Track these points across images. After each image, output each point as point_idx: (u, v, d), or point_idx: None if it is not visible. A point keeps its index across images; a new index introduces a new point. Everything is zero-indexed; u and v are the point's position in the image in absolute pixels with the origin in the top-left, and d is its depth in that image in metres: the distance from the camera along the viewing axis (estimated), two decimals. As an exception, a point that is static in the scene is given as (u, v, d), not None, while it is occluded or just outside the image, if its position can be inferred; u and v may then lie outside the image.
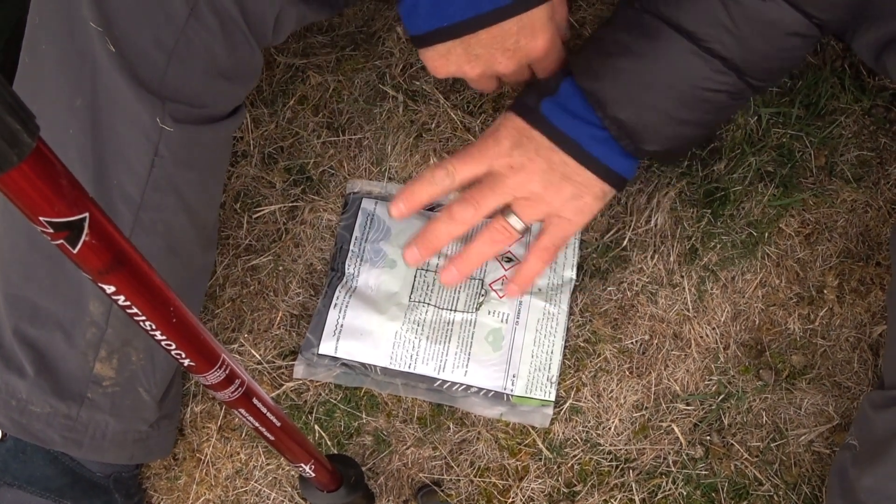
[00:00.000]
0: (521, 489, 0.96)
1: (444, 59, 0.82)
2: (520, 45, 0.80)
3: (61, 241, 0.38)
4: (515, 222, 0.86)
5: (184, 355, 0.50)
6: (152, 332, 0.47)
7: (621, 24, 0.79)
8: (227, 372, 0.54)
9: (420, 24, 0.80)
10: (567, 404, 0.98)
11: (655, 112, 0.79)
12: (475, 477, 0.97)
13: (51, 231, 0.37)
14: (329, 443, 0.99)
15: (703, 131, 0.82)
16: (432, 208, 1.07)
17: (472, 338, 1.00)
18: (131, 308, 0.44)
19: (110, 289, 0.42)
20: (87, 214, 0.38)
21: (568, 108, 0.81)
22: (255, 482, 0.99)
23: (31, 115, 0.33)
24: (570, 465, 0.96)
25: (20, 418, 0.86)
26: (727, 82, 0.76)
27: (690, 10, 0.74)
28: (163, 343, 0.48)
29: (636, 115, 0.78)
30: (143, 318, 0.45)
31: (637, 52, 0.77)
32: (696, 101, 0.78)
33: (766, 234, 1.02)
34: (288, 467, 0.99)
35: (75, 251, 0.39)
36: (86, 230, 0.38)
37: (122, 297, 0.43)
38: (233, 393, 0.56)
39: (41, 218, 0.36)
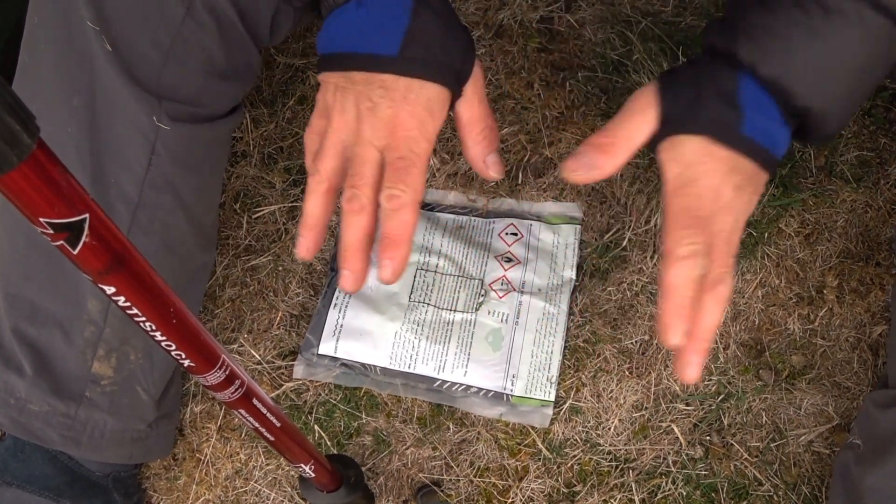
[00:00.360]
0: (520, 489, 0.96)
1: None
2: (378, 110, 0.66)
3: (61, 242, 0.38)
4: None
5: (184, 356, 0.50)
6: (152, 333, 0.46)
7: (786, 5, 0.67)
8: (227, 372, 0.54)
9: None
10: (567, 404, 0.98)
11: (843, 96, 0.69)
12: (475, 477, 0.97)
13: (51, 232, 0.37)
14: (329, 443, 0.99)
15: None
16: (432, 208, 1.07)
17: (471, 338, 1.00)
18: (131, 309, 0.44)
19: (110, 289, 0.42)
20: (87, 215, 0.38)
21: (761, 111, 0.68)
22: (255, 482, 0.99)
23: (31, 115, 0.33)
24: (569, 465, 0.96)
25: (19, 417, 0.86)
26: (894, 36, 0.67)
27: None
28: (163, 344, 0.48)
29: (824, 102, 0.68)
30: (143, 318, 0.45)
31: (821, 32, 0.66)
32: (878, 77, 0.70)
33: (766, 235, 1.01)
34: (288, 467, 0.99)
35: (75, 252, 0.39)
36: (86, 231, 0.38)
37: (122, 298, 0.43)
38: (233, 393, 0.56)
39: (41, 219, 0.36)
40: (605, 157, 0.73)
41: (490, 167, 0.74)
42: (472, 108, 0.73)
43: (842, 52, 0.67)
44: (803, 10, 0.66)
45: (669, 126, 0.69)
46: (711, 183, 0.67)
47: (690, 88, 0.69)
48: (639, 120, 0.71)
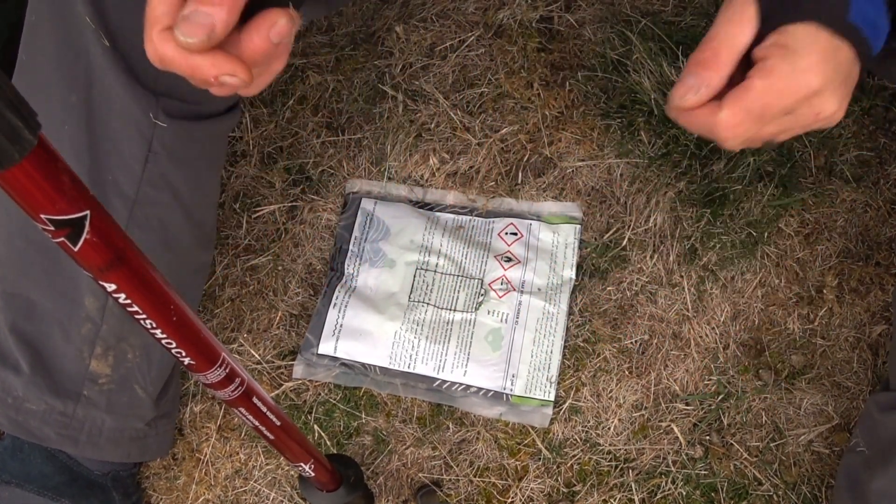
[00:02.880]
0: (520, 489, 0.96)
1: None
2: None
3: (62, 238, 0.38)
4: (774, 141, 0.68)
5: (184, 354, 0.49)
6: (152, 331, 0.46)
7: None
8: (227, 371, 0.54)
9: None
10: (566, 404, 0.98)
11: None
12: (474, 477, 0.97)
13: (52, 229, 0.37)
14: (328, 442, 0.99)
15: None
16: (432, 208, 1.07)
17: (471, 337, 1.00)
18: (132, 306, 0.44)
19: (111, 287, 0.42)
20: (88, 212, 0.38)
21: None
22: (255, 482, 0.99)
23: (32, 112, 0.33)
24: (569, 464, 0.96)
25: (16, 416, 0.86)
26: None
27: None
28: (163, 341, 0.48)
29: None
30: (144, 316, 0.45)
31: None
32: None
33: (766, 234, 1.01)
34: (287, 467, 0.99)
35: (76, 249, 0.38)
36: (87, 228, 0.38)
37: (122, 295, 0.43)
38: (233, 392, 0.56)
39: (42, 215, 0.36)
40: (710, 72, 0.65)
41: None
42: None
43: None
44: None
45: (773, 19, 0.63)
46: (810, 80, 0.62)
47: None
48: (738, 21, 0.64)
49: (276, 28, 0.51)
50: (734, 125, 0.63)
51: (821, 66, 0.61)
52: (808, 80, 0.61)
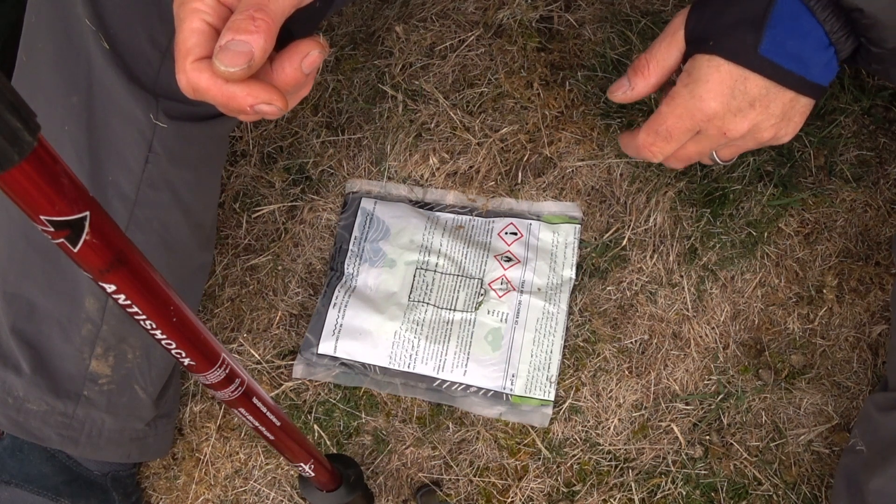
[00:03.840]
0: (520, 489, 0.96)
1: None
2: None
3: (62, 240, 0.38)
4: (716, 160, 0.79)
5: (184, 354, 0.49)
6: (152, 332, 0.46)
7: None
8: (227, 371, 0.54)
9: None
10: (566, 404, 0.98)
11: None
12: (474, 476, 0.97)
13: (52, 230, 0.37)
14: (328, 442, 0.99)
15: None
16: (431, 208, 1.07)
17: (471, 337, 1.00)
18: (132, 307, 0.44)
19: (111, 288, 0.42)
20: (87, 213, 0.38)
21: (791, 31, 0.67)
22: (255, 482, 0.99)
23: (32, 113, 0.33)
24: (569, 464, 0.96)
25: (17, 416, 0.86)
26: None
27: None
28: (163, 342, 0.48)
29: (881, 4, 0.65)
30: (144, 317, 0.45)
31: None
32: None
33: (766, 234, 1.01)
34: (287, 467, 0.99)
35: (76, 250, 0.38)
36: (86, 229, 0.38)
37: (122, 296, 0.43)
38: (233, 392, 0.56)
39: (42, 217, 0.36)
40: (638, 77, 0.78)
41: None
42: None
43: None
44: None
45: (691, 46, 0.73)
46: (707, 105, 0.71)
47: (714, 8, 0.71)
48: (669, 42, 0.75)
49: (308, 59, 0.53)
50: (649, 144, 0.76)
51: (719, 93, 0.70)
52: (704, 104, 0.71)
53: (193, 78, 0.51)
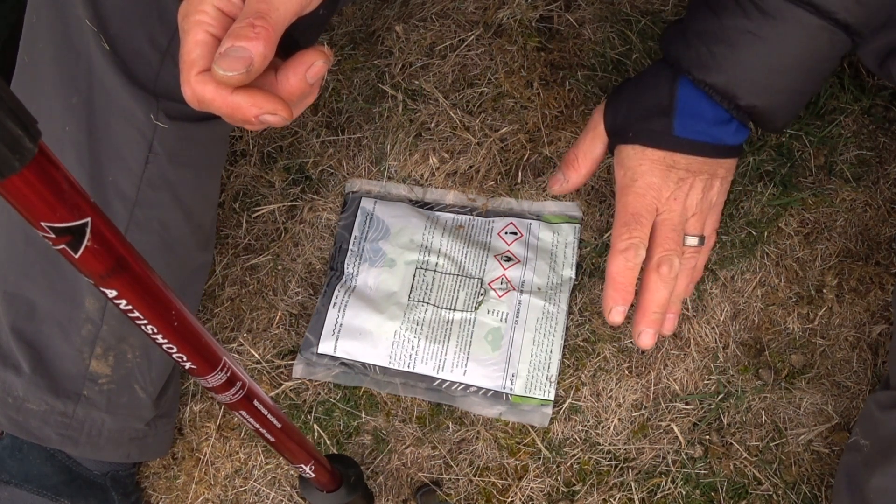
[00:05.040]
0: (520, 488, 0.96)
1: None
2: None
3: (63, 246, 0.38)
4: (692, 240, 0.84)
5: (185, 358, 0.49)
6: (154, 336, 0.46)
7: (731, 10, 0.74)
8: (228, 374, 0.54)
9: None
10: (566, 404, 0.98)
11: (787, 93, 0.77)
12: (474, 476, 0.97)
13: (53, 236, 0.37)
14: (328, 442, 0.99)
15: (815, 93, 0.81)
16: (431, 207, 1.07)
17: (471, 337, 1.00)
18: (133, 312, 0.44)
19: (112, 293, 0.42)
20: (88, 219, 0.38)
21: (696, 115, 0.78)
22: (255, 481, 0.99)
23: (32, 120, 0.33)
24: (569, 464, 0.96)
25: (17, 416, 0.86)
26: (844, 44, 0.74)
27: None
28: (164, 346, 0.48)
29: (769, 100, 0.76)
30: (145, 321, 0.45)
31: (763, 36, 0.73)
32: (821, 72, 0.77)
33: (766, 234, 1.01)
34: (287, 466, 0.99)
35: (77, 256, 0.38)
36: (88, 235, 0.38)
37: (123, 301, 0.43)
38: (234, 395, 0.56)
39: (43, 223, 0.36)
40: (570, 170, 0.88)
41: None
42: None
43: (783, 55, 0.74)
44: (745, 14, 0.73)
45: (613, 138, 0.83)
46: (650, 181, 0.79)
47: (626, 103, 0.81)
48: (592, 136, 0.85)
49: (312, 69, 0.53)
50: (626, 240, 0.80)
51: (657, 171, 0.79)
52: (649, 180, 0.79)
53: (198, 90, 0.52)
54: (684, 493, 0.94)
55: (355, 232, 1.06)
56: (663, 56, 0.81)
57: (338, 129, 1.11)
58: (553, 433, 0.97)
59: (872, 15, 0.74)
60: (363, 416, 1.00)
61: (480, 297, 1.01)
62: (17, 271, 0.85)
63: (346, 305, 1.01)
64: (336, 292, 1.02)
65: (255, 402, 0.59)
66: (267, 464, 1.00)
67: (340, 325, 1.01)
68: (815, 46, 0.74)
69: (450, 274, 1.03)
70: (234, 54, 0.49)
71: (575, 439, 0.97)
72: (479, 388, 0.98)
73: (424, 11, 1.15)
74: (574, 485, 0.96)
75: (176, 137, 0.82)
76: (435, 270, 1.03)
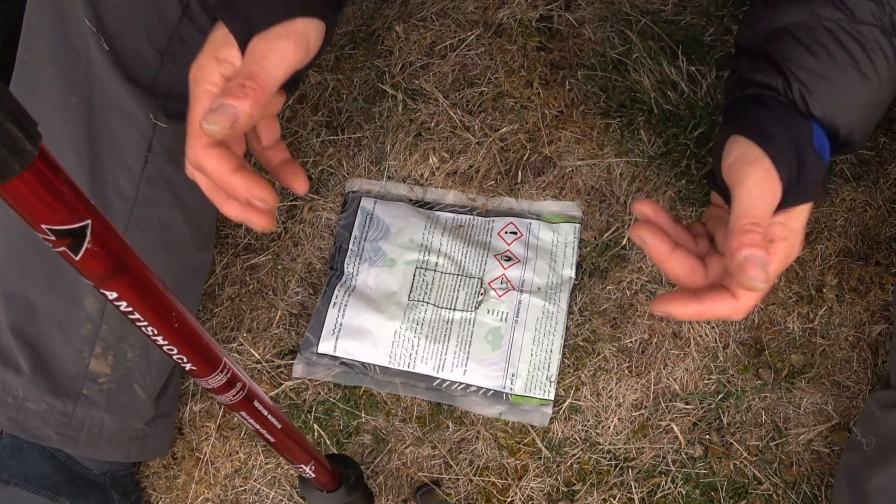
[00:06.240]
0: (520, 488, 0.96)
1: None
2: None
3: (63, 248, 0.38)
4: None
5: (185, 360, 0.49)
6: (154, 338, 0.46)
7: (828, 47, 0.66)
8: (228, 376, 0.54)
9: None
10: (566, 403, 0.98)
11: (871, 123, 0.69)
12: (474, 476, 0.97)
13: (53, 239, 0.37)
14: (328, 442, 0.99)
15: None
16: (431, 207, 1.07)
17: (471, 337, 1.00)
18: (133, 314, 0.43)
19: (112, 295, 0.42)
20: (89, 222, 0.38)
21: (824, 158, 0.67)
22: (255, 481, 0.99)
23: (33, 122, 0.33)
24: (569, 464, 0.96)
25: (17, 415, 0.86)
26: None
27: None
28: (164, 348, 0.48)
29: (862, 134, 0.68)
30: (146, 323, 0.45)
31: (865, 71, 0.66)
32: (893, 94, 0.70)
33: (766, 234, 1.01)
34: (287, 466, 0.99)
35: (78, 258, 0.38)
36: (88, 237, 0.38)
37: (124, 303, 0.43)
38: (234, 396, 0.56)
39: (43, 226, 0.36)
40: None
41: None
42: None
43: (880, 83, 0.66)
44: (845, 50, 0.65)
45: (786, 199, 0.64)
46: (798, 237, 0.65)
47: (793, 160, 0.64)
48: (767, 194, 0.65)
49: (297, 184, 0.62)
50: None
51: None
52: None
53: (202, 157, 0.55)
54: (684, 492, 0.94)
55: (355, 231, 1.06)
56: (772, 96, 0.69)
57: (338, 129, 1.11)
58: (553, 433, 0.97)
59: None
60: (363, 415, 1.00)
61: (480, 297, 1.01)
62: (17, 271, 0.85)
63: (346, 305, 1.01)
64: (336, 292, 1.02)
65: (256, 403, 0.59)
66: (267, 463, 1.00)
67: (340, 324, 1.01)
68: None
69: (450, 274, 1.03)
70: (221, 110, 0.52)
71: (575, 439, 0.97)
72: (479, 388, 0.98)
73: (424, 11, 1.15)
74: (574, 484, 0.96)
75: (175, 137, 0.82)
76: (435, 270, 1.03)
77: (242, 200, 0.56)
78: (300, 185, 0.63)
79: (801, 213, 0.64)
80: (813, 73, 0.65)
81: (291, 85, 0.61)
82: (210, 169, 0.55)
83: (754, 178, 0.60)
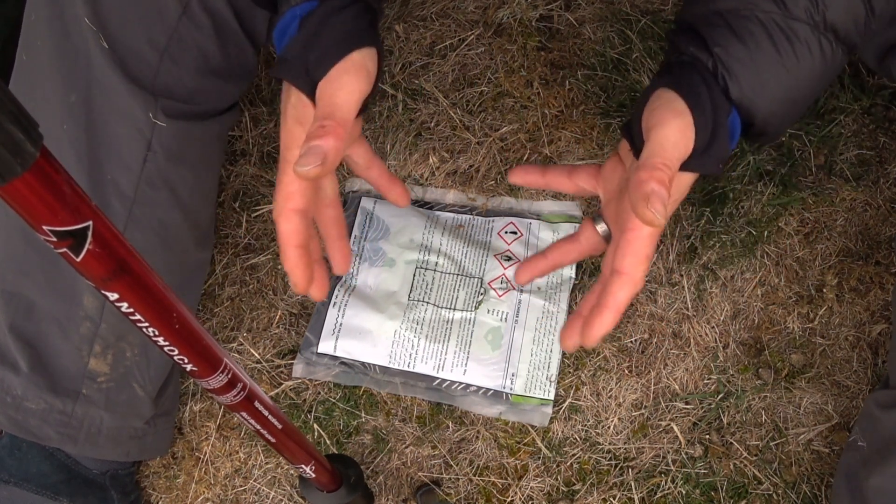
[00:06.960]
0: (520, 488, 0.96)
1: None
2: None
3: (65, 249, 0.38)
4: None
5: (186, 360, 0.49)
6: (155, 338, 0.46)
7: (756, 35, 0.68)
8: (229, 376, 0.54)
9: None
10: (566, 403, 0.98)
11: (794, 116, 0.71)
12: (474, 476, 0.97)
13: (54, 240, 0.37)
14: (328, 441, 0.99)
15: None
16: (431, 207, 1.07)
17: (471, 336, 1.00)
18: (134, 315, 0.43)
19: (113, 296, 0.42)
20: (90, 223, 0.37)
21: (734, 136, 0.69)
22: (255, 481, 0.99)
23: (34, 123, 0.33)
24: (569, 463, 0.96)
25: (16, 415, 0.86)
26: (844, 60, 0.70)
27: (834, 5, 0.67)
28: (165, 348, 0.48)
29: (780, 124, 0.70)
30: (147, 324, 0.45)
31: (788, 63, 0.67)
32: (821, 88, 0.72)
33: (766, 233, 1.01)
34: (287, 466, 0.99)
35: (79, 260, 0.38)
36: (89, 238, 0.38)
37: (125, 304, 0.42)
38: (235, 397, 0.56)
39: (45, 227, 0.36)
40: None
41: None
42: None
43: (803, 79, 0.68)
44: (772, 42, 0.67)
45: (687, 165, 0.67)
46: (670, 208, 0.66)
47: (709, 130, 0.66)
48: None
49: (399, 198, 0.69)
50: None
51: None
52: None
53: (282, 218, 0.61)
54: (684, 492, 0.94)
55: (355, 231, 1.06)
56: (698, 69, 0.70)
57: (337, 129, 1.11)
58: (553, 433, 0.97)
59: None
60: (363, 415, 1.00)
61: (480, 297, 1.01)
62: (16, 270, 0.85)
63: (346, 305, 1.01)
64: (336, 292, 1.02)
65: (256, 404, 0.59)
66: (267, 463, 1.00)
67: (340, 324, 1.01)
68: (828, 73, 0.69)
69: (450, 273, 1.03)
70: (309, 152, 0.55)
71: (575, 439, 0.97)
72: (479, 388, 0.98)
73: (424, 10, 1.15)
74: (574, 484, 0.96)
75: (174, 136, 0.82)
76: (435, 270, 1.03)
77: (301, 280, 0.60)
78: (398, 198, 0.68)
79: (684, 184, 0.66)
80: (737, 59, 0.67)
81: (363, 109, 0.63)
82: (280, 231, 0.61)
83: (674, 125, 0.62)
